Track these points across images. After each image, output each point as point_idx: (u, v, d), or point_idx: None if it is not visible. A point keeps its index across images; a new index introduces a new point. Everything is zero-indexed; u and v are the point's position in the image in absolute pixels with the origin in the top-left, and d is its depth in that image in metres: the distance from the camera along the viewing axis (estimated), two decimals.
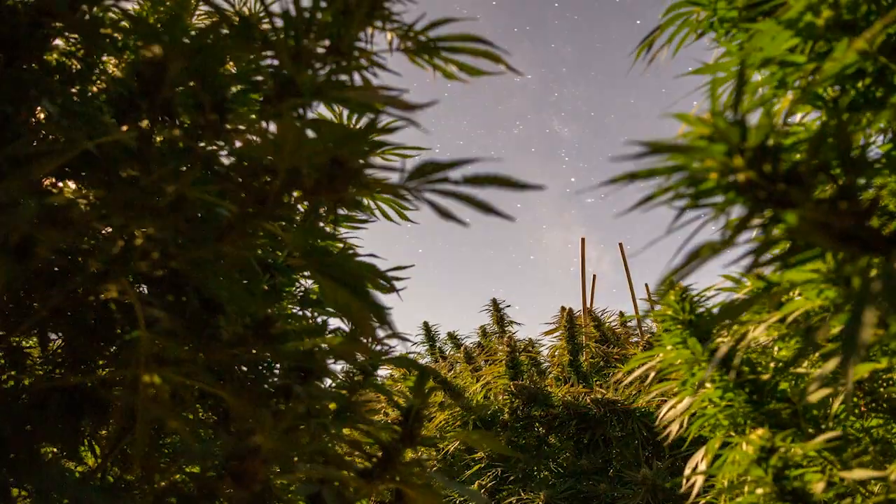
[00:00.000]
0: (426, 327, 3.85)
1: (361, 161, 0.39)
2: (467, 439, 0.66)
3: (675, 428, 0.87)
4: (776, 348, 0.76)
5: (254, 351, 0.53)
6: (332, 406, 0.65)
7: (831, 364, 0.47)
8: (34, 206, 0.30)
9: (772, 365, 0.75)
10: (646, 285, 3.76)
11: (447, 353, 3.76)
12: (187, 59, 0.40)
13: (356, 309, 0.41)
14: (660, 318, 0.77)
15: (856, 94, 0.53)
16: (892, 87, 0.51)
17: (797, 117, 0.62)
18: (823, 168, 0.34)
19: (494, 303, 3.61)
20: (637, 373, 0.82)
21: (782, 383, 0.70)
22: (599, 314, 3.20)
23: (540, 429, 2.09)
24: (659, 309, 0.76)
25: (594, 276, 3.93)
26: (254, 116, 0.46)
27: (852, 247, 0.34)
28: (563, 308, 3.06)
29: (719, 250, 0.36)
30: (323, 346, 0.55)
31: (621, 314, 3.44)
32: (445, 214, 0.39)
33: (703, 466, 0.77)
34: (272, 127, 0.52)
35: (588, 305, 3.60)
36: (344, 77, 0.51)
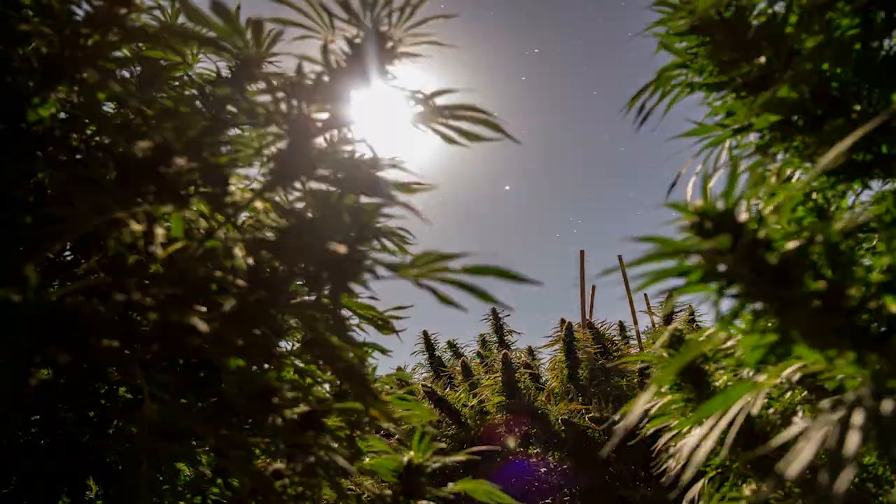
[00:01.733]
0: (425, 336, 3.85)
1: (365, 249, 0.40)
2: (463, 488, 0.66)
3: (671, 464, 0.88)
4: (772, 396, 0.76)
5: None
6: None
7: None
8: (41, 314, 0.31)
9: (771, 411, 0.76)
10: (645, 295, 3.77)
11: (447, 361, 3.76)
12: (190, 147, 0.41)
13: (357, 389, 0.42)
14: (655, 362, 0.78)
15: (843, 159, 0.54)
16: (879, 154, 0.53)
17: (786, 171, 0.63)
18: (812, 266, 0.36)
19: (494, 312, 3.62)
20: (633, 416, 0.83)
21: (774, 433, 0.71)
22: (599, 325, 3.20)
23: (537, 447, 2.10)
24: (655, 352, 0.77)
25: (593, 286, 3.93)
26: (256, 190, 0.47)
27: (842, 345, 0.35)
28: (562, 321, 3.07)
29: (713, 341, 0.37)
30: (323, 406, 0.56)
31: (621, 324, 3.45)
32: (447, 301, 0.40)
33: None
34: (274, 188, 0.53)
35: (588, 317, 3.61)
36: (346, 147, 0.52)
